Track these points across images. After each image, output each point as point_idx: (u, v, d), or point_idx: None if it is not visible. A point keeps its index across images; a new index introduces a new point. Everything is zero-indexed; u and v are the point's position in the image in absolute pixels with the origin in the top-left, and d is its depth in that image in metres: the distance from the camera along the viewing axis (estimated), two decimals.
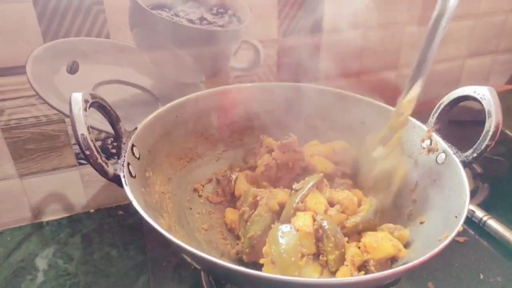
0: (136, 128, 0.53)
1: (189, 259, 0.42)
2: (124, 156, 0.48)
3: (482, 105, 0.48)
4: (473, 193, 0.74)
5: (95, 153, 0.43)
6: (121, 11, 0.62)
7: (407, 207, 0.55)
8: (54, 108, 0.64)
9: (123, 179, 0.44)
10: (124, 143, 0.49)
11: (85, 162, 0.70)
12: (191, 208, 0.59)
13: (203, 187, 0.64)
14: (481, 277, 0.60)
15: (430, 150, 0.54)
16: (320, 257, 0.46)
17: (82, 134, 0.41)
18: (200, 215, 0.59)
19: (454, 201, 0.46)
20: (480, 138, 0.48)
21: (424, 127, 0.56)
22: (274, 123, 0.64)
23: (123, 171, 0.45)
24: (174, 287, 0.59)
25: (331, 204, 0.52)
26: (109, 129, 0.50)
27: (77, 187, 0.72)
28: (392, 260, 0.48)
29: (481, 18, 0.94)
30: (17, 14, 0.57)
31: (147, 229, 0.68)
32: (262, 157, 0.62)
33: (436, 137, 0.54)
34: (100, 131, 0.68)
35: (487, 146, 0.47)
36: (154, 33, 0.65)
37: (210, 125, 0.65)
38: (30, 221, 0.72)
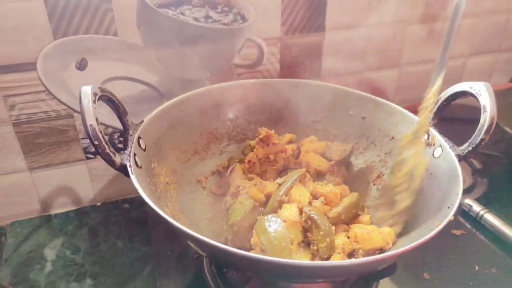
0: (142, 121, 0.54)
1: (193, 245, 0.43)
2: (131, 147, 0.49)
3: (478, 100, 0.49)
4: (471, 188, 0.75)
5: (103, 143, 0.44)
6: (129, 10, 0.63)
7: None
8: (63, 104, 0.65)
9: (129, 169, 0.46)
10: (131, 135, 0.51)
11: (93, 156, 0.71)
12: (194, 199, 0.61)
13: (207, 179, 0.65)
14: (476, 268, 0.61)
15: (427, 145, 0.55)
16: (311, 247, 0.48)
17: (91, 125, 0.43)
18: (203, 206, 0.60)
19: (448, 193, 0.47)
20: (475, 132, 0.49)
21: None
22: (276, 118, 0.66)
23: (130, 161, 0.47)
24: (177, 276, 0.61)
25: (315, 197, 0.54)
26: (116, 124, 0.52)
27: (85, 181, 0.73)
28: (380, 252, 0.50)
29: (483, 16, 0.94)
30: (28, 12, 0.58)
31: (151, 221, 0.70)
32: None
33: (434, 132, 0.55)
34: (107, 126, 0.69)
35: (481, 140, 0.48)
36: (161, 31, 0.66)
37: (214, 119, 0.66)
38: (39, 213, 0.73)
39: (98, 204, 0.76)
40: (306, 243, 0.48)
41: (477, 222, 0.68)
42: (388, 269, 0.52)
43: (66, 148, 0.69)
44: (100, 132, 0.44)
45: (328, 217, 0.51)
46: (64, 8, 0.60)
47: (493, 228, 0.66)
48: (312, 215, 0.48)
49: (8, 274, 0.62)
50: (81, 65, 0.65)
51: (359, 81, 0.87)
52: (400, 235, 0.51)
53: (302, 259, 0.47)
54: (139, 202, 0.43)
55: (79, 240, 0.68)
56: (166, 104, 0.59)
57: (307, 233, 0.49)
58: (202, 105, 0.64)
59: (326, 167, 0.61)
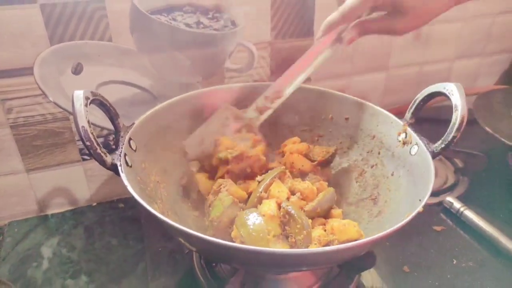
0: (133, 123, 0.56)
1: (181, 239, 0.45)
2: (122, 148, 0.51)
3: (450, 100, 0.52)
4: (453, 186, 0.78)
5: (95, 144, 0.46)
6: (123, 16, 0.65)
7: (384, 195, 0.59)
8: (60, 107, 0.67)
9: (119, 167, 0.48)
10: (122, 136, 0.53)
11: (88, 158, 0.73)
12: (184, 198, 0.62)
13: None
14: (454, 262, 0.63)
15: (405, 143, 0.58)
16: (289, 239, 0.50)
17: (83, 127, 0.45)
18: (192, 204, 0.62)
19: (421, 187, 0.49)
20: (447, 130, 0.51)
21: (400, 122, 0.59)
22: (264, 121, 0.68)
23: (120, 161, 0.49)
24: (169, 271, 0.63)
25: (293, 193, 0.56)
26: (110, 126, 0.54)
27: (81, 182, 0.75)
28: None
29: (469, 21, 0.96)
30: (25, 19, 0.60)
31: (145, 220, 0.72)
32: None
33: (410, 131, 0.57)
34: (102, 128, 0.71)
35: (453, 137, 0.50)
36: (153, 36, 0.68)
37: (203, 122, 0.67)
38: (36, 213, 0.74)
39: (94, 204, 0.77)
40: (285, 236, 0.50)
41: (457, 218, 0.70)
42: (368, 261, 0.54)
43: (62, 149, 0.71)
44: (92, 133, 0.46)
45: (304, 211, 0.54)
46: (60, 15, 0.61)
47: (472, 224, 0.68)
48: (289, 210, 0.50)
49: (6, 271, 0.63)
50: (77, 70, 0.66)
51: (347, 84, 0.90)
52: (376, 229, 0.53)
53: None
54: (134, 201, 0.45)
55: (75, 238, 0.69)
56: (157, 107, 0.61)
57: (285, 227, 0.51)
58: (191, 109, 0.65)
59: (309, 167, 0.63)
